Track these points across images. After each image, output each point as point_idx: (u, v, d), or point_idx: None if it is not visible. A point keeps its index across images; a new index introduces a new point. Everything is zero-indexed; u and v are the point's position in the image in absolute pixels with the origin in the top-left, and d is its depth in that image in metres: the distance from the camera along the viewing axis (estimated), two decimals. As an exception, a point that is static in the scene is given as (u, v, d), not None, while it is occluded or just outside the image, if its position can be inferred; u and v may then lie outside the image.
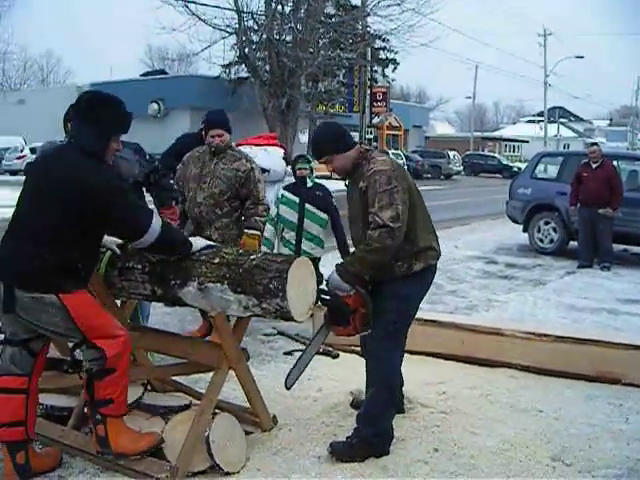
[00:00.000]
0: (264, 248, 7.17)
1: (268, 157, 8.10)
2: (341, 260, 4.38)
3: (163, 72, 46.19)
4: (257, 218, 6.20)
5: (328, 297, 4.26)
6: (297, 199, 7.22)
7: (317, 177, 7.60)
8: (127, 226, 3.87)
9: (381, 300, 4.30)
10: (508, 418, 4.94)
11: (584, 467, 4.23)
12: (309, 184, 7.30)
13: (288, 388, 4.45)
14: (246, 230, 6.17)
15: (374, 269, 4.18)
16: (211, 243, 4.32)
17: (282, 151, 8.54)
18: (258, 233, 6.23)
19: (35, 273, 3.67)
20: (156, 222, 3.89)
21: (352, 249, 4.55)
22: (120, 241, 4.28)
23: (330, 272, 4.30)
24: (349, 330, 4.30)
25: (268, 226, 7.33)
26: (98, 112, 3.82)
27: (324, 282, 4.38)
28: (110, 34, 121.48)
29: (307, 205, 7.19)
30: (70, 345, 3.98)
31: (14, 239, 3.79)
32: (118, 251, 4.32)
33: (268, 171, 7.99)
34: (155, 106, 37.27)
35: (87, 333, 3.73)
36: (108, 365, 3.75)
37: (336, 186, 6.97)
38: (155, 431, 4.09)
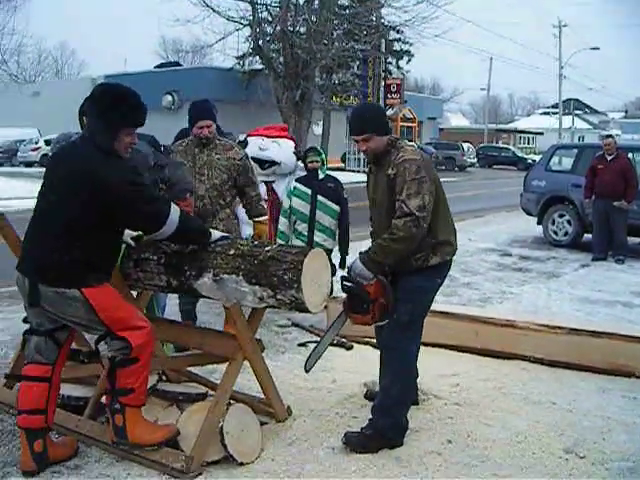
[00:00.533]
0: (279, 240, 7.23)
1: (279, 149, 8.11)
2: (364, 249, 4.36)
3: (177, 64, 46.17)
4: (261, 203, 6.42)
5: (350, 284, 4.26)
6: (309, 191, 7.24)
7: (329, 169, 7.63)
8: (144, 219, 3.90)
9: (396, 291, 4.32)
10: (521, 410, 4.95)
11: (597, 459, 4.23)
12: (321, 176, 7.32)
13: (307, 371, 4.49)
14: (255, 218, 6.24)
15: (397, 258, 4.19)
16: (226, 234, 4.35)
17: (293, 144, 8.53)
18: (267, 217, 6.49)
19: (57, 268, 3.72)
20: (174, 213, 3.91)
21: (369, 231, 4.57)
22: (134, 234, 4.31)
23: (353, 259, 4.32)
24: (367, 319, 4.29)
25: (282, 219, 7.41)
26: (110, 105, 3.81)
27: (345, 269, 4.39)
28: (124, 26, 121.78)
29: (319, 197, 7.22)
30: (95, 337, 4.03)
31: (35, 234, 3.85)
32: (133, 243, 4.36)
33: (279, 164, 8.02)
34: (169, 98, 37.27)
35: (111, 325, 3.79)
36: (133, 355, 3.80)
37: (349, 178, 6.97)
38: (171, 423, 4.12)
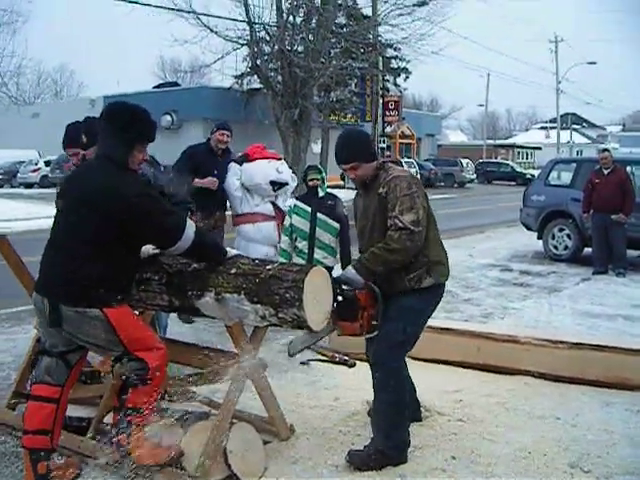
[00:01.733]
0: (281, 259, 7.25)
1: (288, 171, 8.18)
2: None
3: (176, 84, 46.38)
4: None
5: (343, 287, 4.23)
6: (309, 208, 7.28)
7: (328, 187, 7.67)
8: (162, 231, 3.91)
9: (390, 310, 4.32)
10: (525, 425, 4.94)
11: (602, 474, 4.23)
12: (321, 194, 7.36)
13: (291, 355, 4.49)
14: None
15: (389, 268, 4.19)
16: (239, 252, 4.36)
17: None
18: None
19: (78, 288, 3.74)
20: (190, 227, 3.94)
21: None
22: (151, 250, 4.30)
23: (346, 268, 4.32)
24: (355, 327, 4.26)
25: (283, 237, 7.44)
26: (121, 121, 3.90)
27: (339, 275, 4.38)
28: (122, 47, 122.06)
29: (319, 214, 7.26)
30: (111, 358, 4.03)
31: (55, 255, 3.87)
32: (154, 251, 4.33)
33: (288, 183, 8.09)
34: (168, 118, 37.39)
35: (129, 346, 3.80)
36: (148, 376, 3.82)
37: (348, 195, 7.00)
38: (175, 444, 4.11)
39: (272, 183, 7.79)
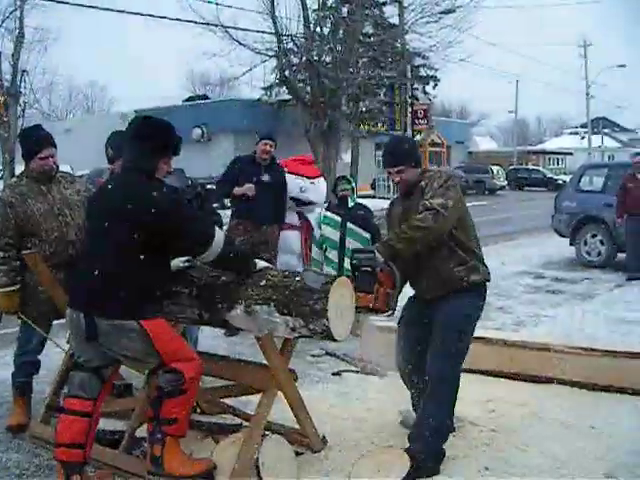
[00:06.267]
0: (313, 268, 7.31)
1: (316, 191, 8.25)
2: None
3: (205, 97, 46.60)
4: None
5: (362, 256, 4.23)
6: (339, 218, 7.32)
7: (359, 197, 7.72)
8: (193, 237, 3.91)
9: (443, 317, 4.37)
10: (559, 435, 4.88)
11: (639, 483, 4.17)
12: (350, 204, 7.40)
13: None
14: None
15: (411, 247, 4.18)
16: (268, 264, 4.36)
17: (324, 181, 8.67)
18: None
19: (113, 300, 3.76)
20: (219, 234, 3.97)
21: None
22: (182, 263, 4.32)
23: None
24: (370, 299, 4.20)
25: (314, 247, 7.50)
26: (147, 133, 3.97)
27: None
28: (152, 61, 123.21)
29: (349, 224, 7.29)
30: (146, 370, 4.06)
31: (87, 270, 3.89)
32: (185, 264, 4.36)
33: (315, 203, 8.16)
34: (199, 131, 37.63)
35: (165, 357, 3.82)
36: (184, 387, 3.83)
37: (379, 205, 7.01)
38: (208, 457, 4.12)
39: (292, 199, 7.89)
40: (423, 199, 4.26)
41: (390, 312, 4.37)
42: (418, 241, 4.17)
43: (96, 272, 3.83)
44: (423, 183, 4.42)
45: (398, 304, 4.40)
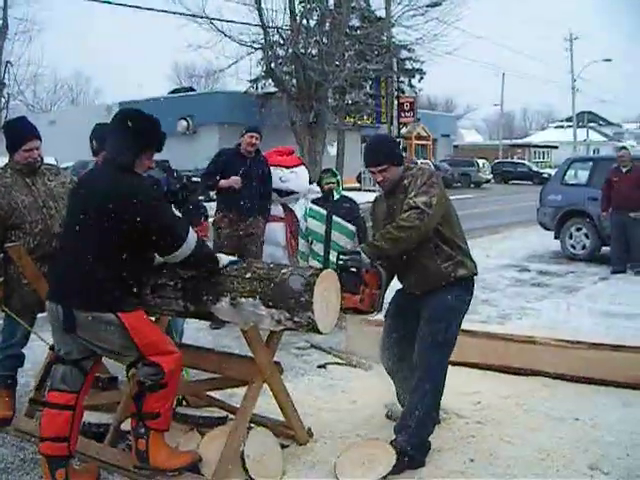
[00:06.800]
0: (300, 260, 7.35)
1: (297, 179, 8.33)
2: None
3: (191, 89, 46.44)
4: None
5: (347, 257, 4.23)
6: (324, 211, 7.31)
7: (345, 189, 7.72)
8: (165, 237, 3.88)
9: (430, 310, 4.39)
10: (544, 427, 4.91)
11: (622, 475, 4.19)
12: (336, 197, 7.40)
13: None
14: None
15: (397, 247, 4.20)
16: (235, 259, 4.33)
17: (305, 169, 8.70)
18: None
19: (92, 292, 3.75)
20: (192, 235, 3.94)
21: None
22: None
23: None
24: (355, 300, 4.22)
25: (300, 240, 7.51)
26: (130, 126, 3.92)
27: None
28: (137, 53, 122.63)
29: (334, 217, 7.29)
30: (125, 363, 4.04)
31: (66, 261, 3.88)
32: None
33: (297, 192, 8.19)
34: (184, 123, 37.51)
35: (144, 350, 3.81)
36: (164, 380, 3.82)
37: (365, 198, 7.01)
38: (193, 450, 4.12)
39: (274, 190, 7.97)
40: (407, 198, 4.26)
41: (376, 313, 4.39)
42: (404, 241, 4.17)
43: (74, 265, 3.81)
44: (406, 182, 4.41)
45: (385, 297, 4.41)
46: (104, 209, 3.73)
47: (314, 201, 7.57)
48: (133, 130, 3.90)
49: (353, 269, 4.19)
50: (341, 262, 4.23)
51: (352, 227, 7.34)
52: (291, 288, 3.89)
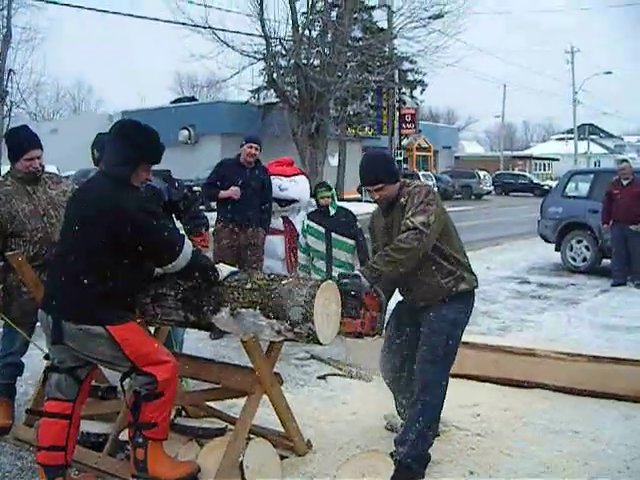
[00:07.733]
0: (301, 274, 7.34)
1: (297, 187, 8.33)
2: None
3: (193, 99, 46.52)
4: None
5: (347, 280, 4.20)
6: (322, 230, 7.31)
7: (346, 200, 7.71)
8: (160, 249, 3.88)
9: (430, 323, 4.37)
10: (543, 440, 4.90)
11: (622, 489, 4.18)
12: (332, 212, 7.39)
13: None
14: None
15: (397, 269, 4.19)
16: (235, 270, 4.32)
17: (305, 177, 8.71)
18: None
19: (81, 305, 3.74)
20: (187, 246, 3.93)
21: None
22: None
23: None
24: (356, 325, 4.21)
25: (300, 253, 7.53)
26: (128, 138, 3.91)
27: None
28: (140, 63, 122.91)
29: (333, 234, 7.30)
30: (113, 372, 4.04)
31: (58, 272, 3.88)
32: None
33: (298, 201, 8.20)
34: (186, 133, 37.56)
35: (136, 361, 3.80)
36: (158, 389, 3.81)
37: (365, 209, 7.01)
38: (192, 460, 4.11)
39: (275, 200, 7.97)
40: (404, 217, 4.24)
41: (377, 336, 4.36)
42: (403, 262, 4.16)
43: (65, 276, 3.81)
44: (403, 200, 4.37)
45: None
46: (97, 222, 3.73)
47: (310, 216, 7.56)
48: (130, 143, 3.88)
49: (353, 292, 4.18)
50: (341, 286, 4.19)
51: (351, 241, 7.35)
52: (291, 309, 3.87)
